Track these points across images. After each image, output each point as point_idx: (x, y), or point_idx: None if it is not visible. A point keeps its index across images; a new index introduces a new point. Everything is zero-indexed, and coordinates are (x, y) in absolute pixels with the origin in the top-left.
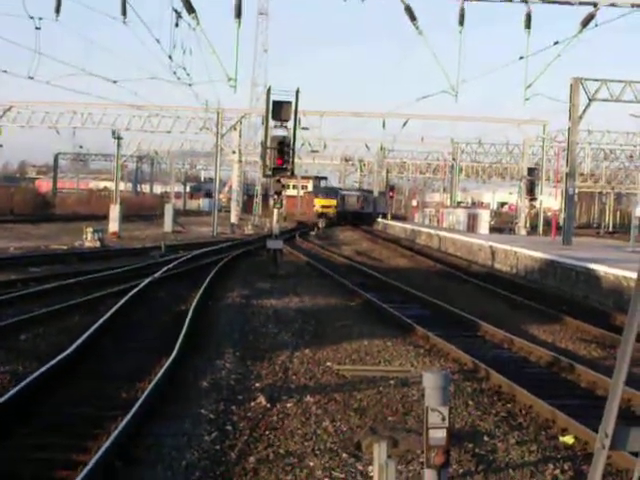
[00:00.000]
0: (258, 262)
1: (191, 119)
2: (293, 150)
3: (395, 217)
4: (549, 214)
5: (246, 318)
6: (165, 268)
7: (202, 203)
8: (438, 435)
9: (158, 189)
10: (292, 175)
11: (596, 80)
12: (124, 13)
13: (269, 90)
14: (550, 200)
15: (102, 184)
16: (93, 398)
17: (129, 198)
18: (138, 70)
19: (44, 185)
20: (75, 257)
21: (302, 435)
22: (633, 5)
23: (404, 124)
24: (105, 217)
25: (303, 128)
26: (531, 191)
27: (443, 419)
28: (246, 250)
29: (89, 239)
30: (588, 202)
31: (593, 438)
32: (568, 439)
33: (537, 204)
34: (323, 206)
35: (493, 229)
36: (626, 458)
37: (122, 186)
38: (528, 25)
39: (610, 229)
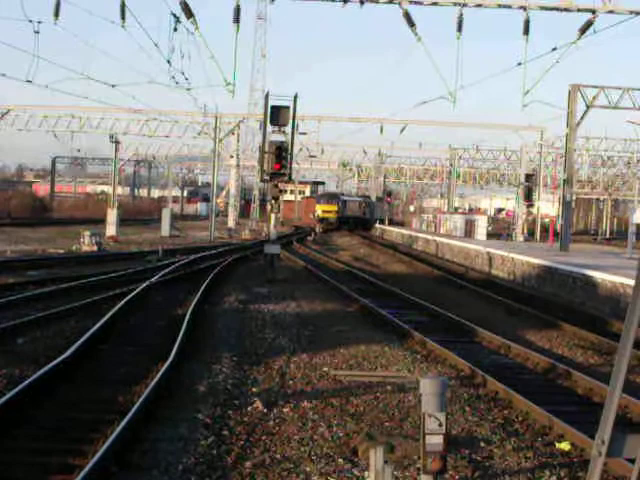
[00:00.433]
0: (255, 267)
1: (189, 123)
2: (291, 155)
3: (392, 222)
4: (546, 220)
5: (243, 323)
6: (162, 272)
7: (199, 208)
8: (435, 441)
9: (156, 193)
10: (289, 180)
11: (594, 87)
12: (123, 17)
13: (267, 95)
14: (547, 206)
15: (100, 188)
16: (89, 402)
17: (126, 202)
18: (136, 74)
19: (41, 189)
20: (72, 261)
21: (298, 440)
22: (631, 12)
23: (402, 130)
24: (102, 221)
25: (301, 133)
26: (528, 197)
27: (440, 425)
28: (243, 255)
29: (86, 243)
30: (585, 208)
31: (590, 445)
32: (564, 446)
33: (534, 210)
34: (324, 211)
35: (490, 235)
36: (622, 465)
37: (120, 190)
38: (526, 32)
39: (607, 236)
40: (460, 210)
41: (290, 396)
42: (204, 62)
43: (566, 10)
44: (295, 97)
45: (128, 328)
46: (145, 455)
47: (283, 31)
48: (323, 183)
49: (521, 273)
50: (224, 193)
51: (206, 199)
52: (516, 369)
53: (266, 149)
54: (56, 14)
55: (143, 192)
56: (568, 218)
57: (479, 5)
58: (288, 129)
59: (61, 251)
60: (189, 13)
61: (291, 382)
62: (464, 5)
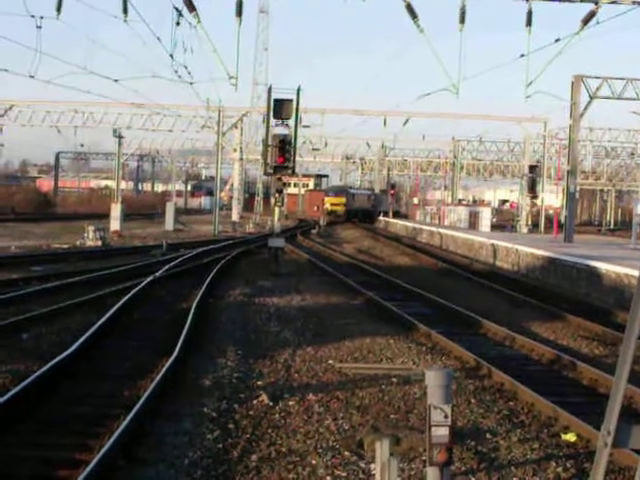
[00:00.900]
0: (260, 260)
1: (192, 117)
2: (294, 148)
3: (396, 215)
4: (550, 212)
5: (248, 316)
6: (167, 266)
7: (203, 201)
8: (440, 433)
9: (159, 188)
10: (293, 173)
11: (597, 77)
12: (125, 12)
13: (270, 88)
14: (551, 198)
15: (103, 183)
16: (95, 397)
17: (130, 197)
18: (139, 69)
19: (45, 184)
20: (77, 256)
21: (304, 433)
22: (634, 2)
23: (405, 122)
24: (106, 216)
25: (304, 126)
26: (532, 189)
27: (445, 417)
28: (247, 248)
29: (90, 238)
30: (589, 199)
31: (595, 436)
32: (570, 437)
33: (538, 202)
34: (333, 204)
35: (494, 227)
36: (628, 456)
37: (123, 185)
38: (529, 23)
39: (611, 226)
40: (464, 202)
41: (295, 389)
42: (207, 56)
43: (569, 1)
44: (298, 90)
45: (133, 322)
46: (151, 449)
47: (285, 24)
48: (326, 176)
49: (525, 264)
50: (228, 187)
51: (210, 193)
52: (521, 360)
53: (269, 142)
54: (58, 9)
55: (147, 186)
56: (572, 209)
57: None
58: (291, 122)
59: (65, 246)
60: (191, 7)
61: (296, 375)
62: None
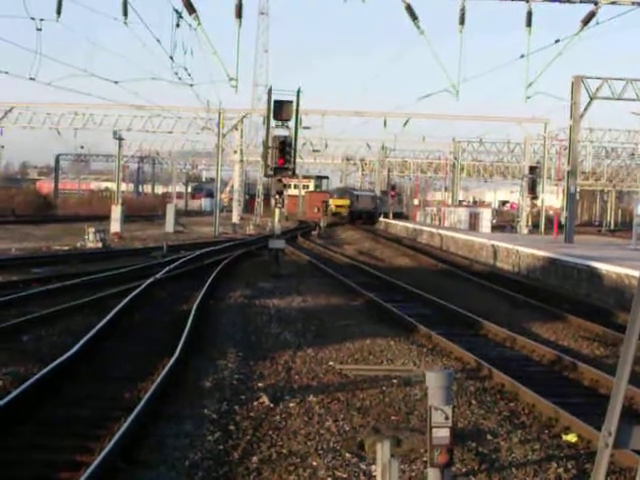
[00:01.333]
0: (260, 262)
1: (192, 119)
2: (294, 150)
3: (399, 216)
4: (551, 212)
5: (248, 318)
6: (167, 268)
7: (204, 203)
8: (441, 434)
9: (160, 190)
10: (293, 175)
11: (597, 78)
12: (125, 14)
13: (270, 90)
14: (552, 198)
15: (103, 185)
16: (95, 399)
17: (131, 199)
18: (139, 71)
19: (45, 186)
20: (77, 258)
21: (305, 435)
22: (634, 3)
23: (405, 123)
24: (107, 218)
25: (304, 128)
26: (532, 189)
27: (446, 418)
28: (248, 250)
29: (91, 240)
30: (590, 200)
31: (596, 436)
32: (571, 437)
33: (539, 202)
34: (337, 206)
35: (495, 227)
36: (629, 456)
37: (124, 187)
38: (529, 23)
39: (611, 227)
40: (464, 203)
41: (296, 391)
42: (207, 58)
43: (568, 2)
44: (298, 92)
45: (134, 324)
46: (152, 451)
47: (285, 26)
48: (327, 177)
49: (526, 265)
50: (228, 188)
51: (210, 195)
52: (522, 361)
53: (270, 144)
54: (58, 11)
55: (147, 188)
56: (572, 210)
57: None
58: (291, 124)
59: (66, 248)
60: (191, 9)
61: (297, 377)
62: None
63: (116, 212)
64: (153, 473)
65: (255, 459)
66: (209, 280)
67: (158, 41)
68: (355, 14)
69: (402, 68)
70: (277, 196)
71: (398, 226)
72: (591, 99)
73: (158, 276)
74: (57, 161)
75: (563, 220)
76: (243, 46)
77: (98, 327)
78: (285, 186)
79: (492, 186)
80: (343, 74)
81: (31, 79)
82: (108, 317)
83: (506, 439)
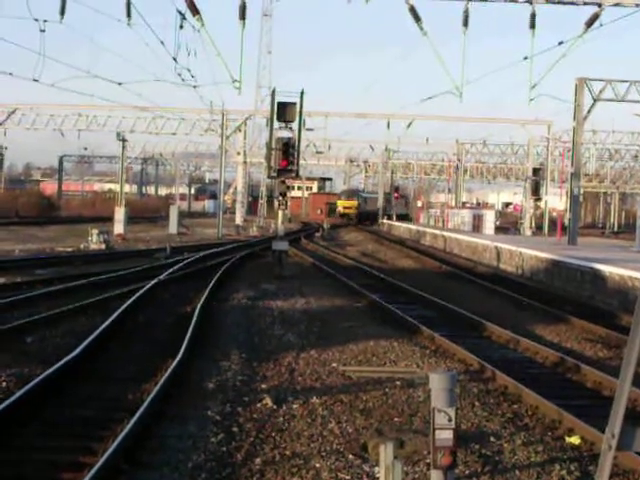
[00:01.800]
0: (263, 263)
1: (196, 121)
2: (298, 151)
3: (405, 218)
4: (554, 214)
5: (252, 319)
6: (170, 270)
7: (207, 205)
8: (445, 436)
9: (163, 191)
10: (297, 176)
11: (601, 80)
12: (129, 15)
13: (274, 91)
14: (555, 200)
15: (107, 186)
16: (99, 400)
17: (134, 200)
18: (143, 72)
19: (49, 187)
20: (81, 259)
21: (308, 436)
22: (638, 5)
23: (409, 125)
24: (110, 219)
25: (308, 129)
26: (536, 191)
27: (450, 420)
28: (251, 252)
29: (94, 241)
30: (593, 202)
31: (600, 439)
32: (574, 440)
33: (542, 204)
34: (345, 207)
35: (498, 229)
36: (633, 458)
37: (127, 188)
38: (532, 25)
39: (615, 229)
40: (468, 205)
41: (299, 392)
42: (210, 59)
43: (572, 3)
44: (302, 93)
45: (137, 325)
46: (155, 453)
47: (289, 28)
48: (330, 179)
49: (529, 267)
50: (231, 190)
51: (213, 196)
52: (525, 363)
53: (273, 145)
54: (62, 12)
55: (150, 190)
56: (576, 212)
57: None
58: (295, 125)
59: (69, 249)
60: (195, 10)
61: (300, 378)
62: None
63: (119, 213)
64: (156, 474)
65: (258, 461)
66: (212, 282)
67: (162, 42)
68: (358, 15)
69: (405, 70)
70: (280, 198)
71: (401, 228)
72: (594, 101)
73: (162, 277)
74: (61, 162)
75: (566, 222)
76: (246, 47)
77: (102, 328)
78: (288, 188)
79: (495, 188)
80: (346, 75)
81: (34, 80)
82: (112, 318)
83: (509, 441)
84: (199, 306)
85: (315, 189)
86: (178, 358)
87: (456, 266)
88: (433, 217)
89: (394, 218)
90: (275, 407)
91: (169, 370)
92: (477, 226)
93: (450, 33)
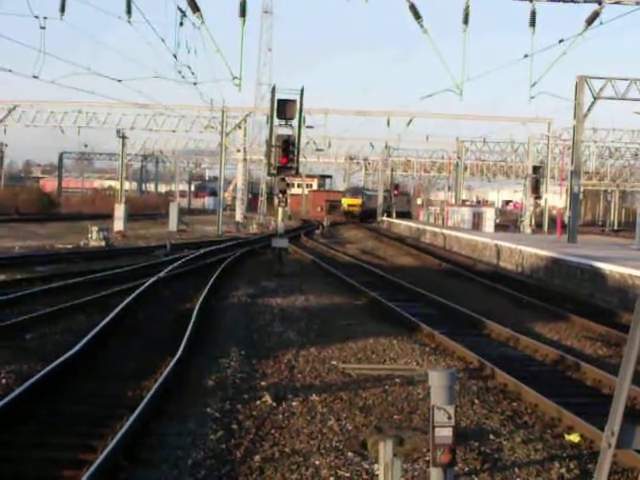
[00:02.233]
0: (263, 261)
1: (196, 118)
2: (298, 149)
3: (404, 215)
4: (554, 212)
5: (251, 317)
6: (170, 267)
7: (207, 202)
8: (444, 433)
9: (163, 188)
10: (297, 174)
11: (601, 78)
12: (129, 12)
13: (274, 89)
14: (555, 198)
15: (107, 183)
16: (98, 397)
17: (134, 197)
18: (143, 69)
19: (49, 184)
20: (80, 256)
21: (308, 434)
22: (638, 2)
23: (409, 122)
24: (110, 216)
25: (308, 127)
26: (536, 189)
27: (449, 417)
28: (251, 249)
29: (94, 238)
30: (593, 200)
31: (599, 436)
32: (574, 437)
33: (542, 202)
34: (350, 205)
35: (498, 227)
36: (632, 456)
37: (127, 185)
38: (533, 23)
39: (615, 227)
40: (468, 203)
41: (299, 390)
42: (210, 56)
43: (572, 1)
44: (302, 91)
45: (137, 323)
46: (154, 450)
47: (289, 25)
48: (330, 177)
49: (529, 265)
50: (231, 187)
51: (213, 193)
52: (525, 361)
53: (273, 143)
54: (62, 9)
55: (150, 187)
56: (576, 210)
57: None
58: (295, 123)
59: (69, 246)
60: (195, 7)
61: (300, 376)
62: None
63: (119, 211)
64: (156, 472)
65: (258, 458)
66: (212, 279)
67: (162, 40)
68: (359, 13)
69: (406, 67)
70: (280, 195)
71: (401, 225)
72: (595, 99)
73: (161, 275)
74: (60, 159)
75: (566, 220)
76: (247, 45)
77: (101, 325)
78: (288, 185)
79: (495, 186)
80: (346, 73)
81: (35, 77)
82: (111, 315)
83: (509, 439)
84: (199, 303)
85: (315, 186)
86: (177, 355)
87: (456, 264)
88: (433, 215)
89: (394, 215)
90: (275, 404)
91: (169, 367)
92: (477, 224)
93: (450, 31)
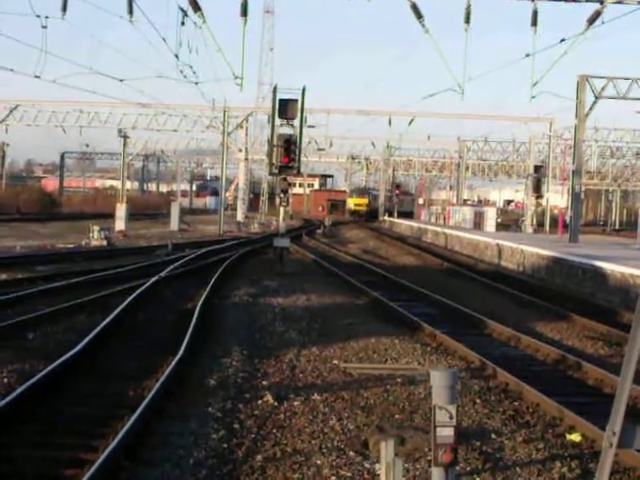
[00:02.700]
0: (265, 260)
1: (197, 117)
2: (299, 148)
3: (406, 215)
4: (555, 212)
5: (253, 316)
6: (172, 267)
7: (208, 201)
8: (445, 433)
9: (164, 188)
10: (298, 173)
11: (602, 77)
12: (130, 12)
13: (275, 88)
14: (556, 198)
15: (108, 183)
16: (100, 397)
17: (135, 197)
18: (144, 69)
19: (50, 184)
20: (82, 256)
21: (309, 433)
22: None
23: (410, 122)
24: (111, 216)
25: (309, 126)
26: (537, 189)
27: (451, 417)
28: (252, 248)
29: (96, 238)
30: (594, 200)
31: (600, 436)
32: (575, 437)
33: (543, 202)
34: (356, 204)
35: (499, 227)
36: (633, 456)
37: (128, 185)
38: (534, 22)
39: (616, 227)
40: (469, 202)
41: (300, 389)
42: (212, 56)
43: (574, 1)
44: (303, 90)
45: (138, 322)
46: (156, 449)
47: (291, 24)
48: (332, 176)
49: (530, 264)
50: (233, 187)
51: (215, 193)
52: (526, 361)
53: (275, 142)
54: (64, 9)
55: (152, 187)
56: (577, 209)
57: None
58: (296, 122)
59: (70, 246)
60: (196, 7)
61: (301, 375)
62: None
63: (121, 210)
64: (157, 471)
65: (259, 457)
66: (214, 278)
67: (163, 39)
68: (360, 13)
69: (407, 67)
70: (282, 194)
71: (403, 225)
72: (596, 98)
73: (163, 274)
74: (62, 159)
75: (568, 219)
76: (248, 44)
77: (103, 325)
78: (290, 185)
79: (497, 185)
80: (348, 73)
81: (36, 77)
82: (113, 315)
83: (510, 438)
84: (200, 303)
85: (317, 186)
86: (179, 355)
87: (457, 263)
88: (434, 214)
89: (395, 215)
90: (276, 404)
91: (170, 367)
92: (478, 223)
93: (452, 30)
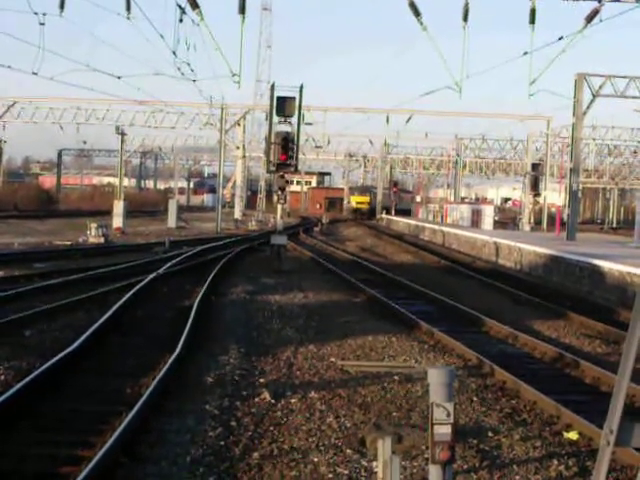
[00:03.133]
0: (262, 258)
1: (195, 115)
2: (297, 146)
3: (405, 213)
4: (553, 210)
5: (250, 314)
6: (169, 264)
7: (206, 199)
8: (443, 431)
9: (162, 185)
10: (296, 171)
11: (600, 76)
12: (128, 9)
13: (273, 86)
14: (554, 196)
15: (106, 180)
16: (97, 394)
17: (133, 194)
18: (142, 66)
19: (48, 181)
20: (79, 253)
21: (306, 431)
22: (638, 0)
23: (408, 120)
24: (109, 213)
25: (307, 124)
26: (535, 187)
27: (448, 415)
28: (250, 246)
29: (93, 235)
30: (592, 198)
31: (598, 434)
32: (572, 435)
33: (541, 200)
34: (358, 202)
35: (497, 225)
36: (631, 454)
37: (126, 182)
38: (532, 20)
39: (614, 225)
40: (466, 200)
41: (298, 387)
42: (209, 53)
43: None
44: (301, 88)
45: (135, 319)
46: (153, 446)
47: (288, 22)
48: (329, 174)
49: (528, 263)
50: (230, 184)
51: (212, 190)
52: (524, 358)
53: (272, 140)
54: (61, 6)
55: (149, 184)
56: (575, 207)
57: None
58: (294, 120)
59: (68, 243)
60: (194, 4)
61: (298, 373)
62: None
63: (118, 207)
64: (155, 468)
65: (256, 455)
66: (211, 276)
67: (161, 36)
68: (358, 10)
69: (405, 64)
70: (279, 192)
71: (400, 223)
72: (594, 96)
73: (160, 271)
74: (59, 156)
75: (565, 217)
76: (246, 42)
77: (100, 322)
78: (287, 182)
79: (494, 183)
80: (346, 70)
81: (34, 74)
82: (110, 312)
83: (507, 436)
84: (198, 300)
85: (314, 183)
86: (176, 352)
87: (455, 261)
88: (432, 212)
89: (393, 213)
90: (273, 401)
91: (167, 364)
92: (476, 221)
93: (450, 28)
